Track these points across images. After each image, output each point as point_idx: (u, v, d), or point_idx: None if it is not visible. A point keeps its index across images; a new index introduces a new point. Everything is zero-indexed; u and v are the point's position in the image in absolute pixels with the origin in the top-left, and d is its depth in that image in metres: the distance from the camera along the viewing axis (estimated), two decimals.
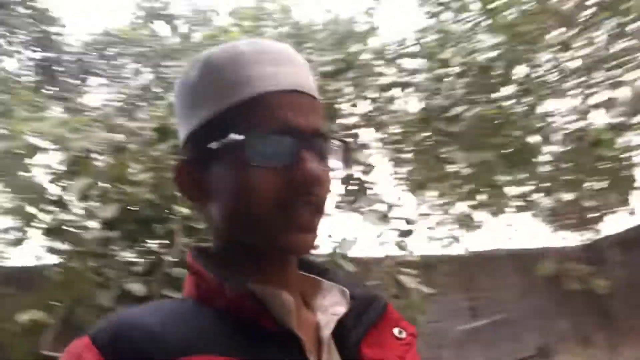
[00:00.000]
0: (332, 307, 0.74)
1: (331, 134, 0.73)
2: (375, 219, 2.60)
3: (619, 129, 2.84)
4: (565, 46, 3.86)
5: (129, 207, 2.28)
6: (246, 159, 0.65)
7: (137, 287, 2.05)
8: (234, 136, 0.65)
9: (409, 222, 2.77)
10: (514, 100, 3.49)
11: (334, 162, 0.72)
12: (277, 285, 0.68)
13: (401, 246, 2.83)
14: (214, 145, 0.67)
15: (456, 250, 6.49)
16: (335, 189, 2.97)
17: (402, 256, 2.82)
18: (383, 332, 0.74)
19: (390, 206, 2.71)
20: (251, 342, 0.63)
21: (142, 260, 2.28)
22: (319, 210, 0.68)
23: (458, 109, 3.15)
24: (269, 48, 0.70)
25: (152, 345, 0.59)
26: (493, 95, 3.52)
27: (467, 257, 6.35)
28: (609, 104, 3.32)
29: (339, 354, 0.70)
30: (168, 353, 0.58)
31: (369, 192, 2.74)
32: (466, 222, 5.98)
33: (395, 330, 0.76)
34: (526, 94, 3.58)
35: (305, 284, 0.78)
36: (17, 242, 2.59)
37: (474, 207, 4.75)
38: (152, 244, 2.32)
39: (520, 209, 4.43)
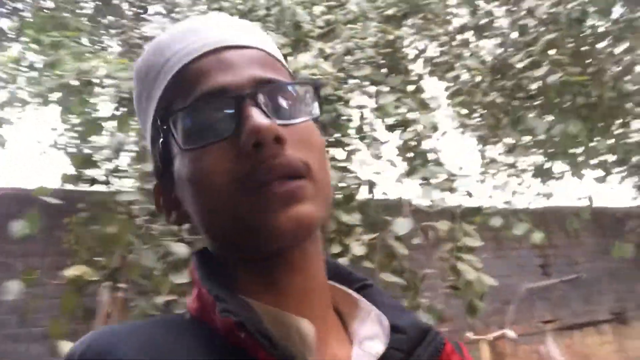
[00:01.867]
0: (369, 340, 0.58)
1: (287, 79, 0.59)
2: (439, 190, 2.39)
3: None
4: None
5: None
6: (186, 142, 0.53)
7: (181, 249, 2.03)
8: (165, 125, 0.55)
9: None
10: (606, 55, 3.05)
11: (298, 110, 0.57)
12: (298, 304, 0.54)
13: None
14: (159, 149, 0.58)
15: (532, 203, 6.18)
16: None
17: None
18: None
19: (454, 176, 2.48)
20: None
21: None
22: (295, 173, 0.52)
23: (542, 71, 2.77)
24: (192, 23, 0.61)
25: None
26: (582, 50, 3.09)
27: (542, 211, 6.05)
28: None
29: None
30: None
31: (431, 158, 2.51)
32: (543, 173, 5.62)
33: None
34: (626, 51, 3.10)
35: (340, 301, 0.62)
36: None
37: (551, 158, 4.34)
38: None
39: (604, 167, 4.03)
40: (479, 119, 3.82)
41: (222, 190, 0.51)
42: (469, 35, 3.79)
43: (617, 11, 3.55)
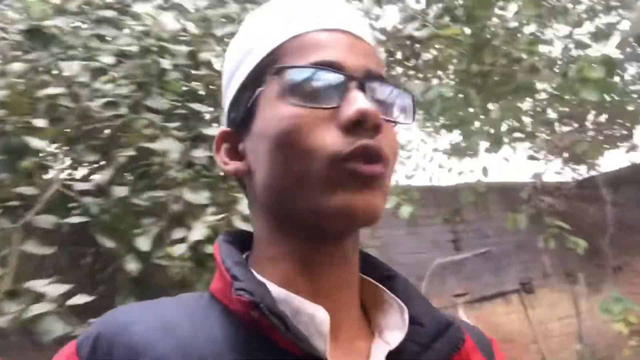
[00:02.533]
0: (388, 330, 0.58)
1: (393, 82, 0.61)
2: None
3: (605, 61, 2.37)
4: None
5: None
6: (285, 100, 0.54)
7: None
8: (270, 77, 0.56)
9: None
10: (497, 21, 2.99)
11: (396, 114, 0.59)
12: (318, 291, 0.55)
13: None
14: (246, 101, 0.59)
15: (443, 181, 6.32)
16: None
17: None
18: None
19: None
20: None
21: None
22: (380, 160, 0.53)
23: (425, 32, 2.66)
24: None
25: (137, 359, 0.49)
26: (476, 16, 3.01)
27: (453, 188, 6.15)
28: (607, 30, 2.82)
29: None
30: None
31: None
32: (454, 152, 5.68)
33: None
34: (515, 13, 3.06)
35: (366, 292, 0.62)
36: None
37: (465, 136, 4.34)
38: None
39: (514, 141, 4.05)
40: None
41: (308, 156, 0.52)
42: (370, 3, 3.62)
43: None
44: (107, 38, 2.27)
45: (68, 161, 2.14)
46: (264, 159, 0.55)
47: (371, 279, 0.63)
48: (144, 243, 1.77)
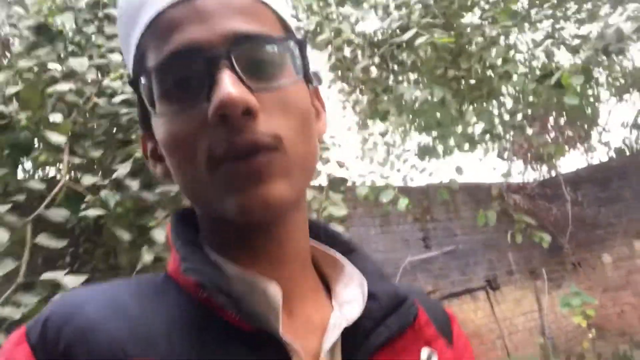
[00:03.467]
0: (348, 304, 0.56)
1: (276, 28, 0.52)
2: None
3: (584, 69, 2.59)
4: None
5: None
6: (157, 106, 0.49)
7: None
8: (137, 83, 0.51)
9: (340, 164, 2.52)
10: (476, 30, 3.17)
11: (291, 75, 0.51)
12: (268, 266, 0.53)
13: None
14: (139, 105, 0.55)
15: (413, 181, 6.51)
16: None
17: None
18: (405, 350, 0.55)
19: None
20: (215, 342, 0.48)
21: None
22: (259, 150, 0.47)
23: (410, 34, 2.81)
24: None
25: (89, 342, 0.47)
26: (454, 22, 3.19)
27: (422, 188, 6.34)
28: (579, 42, 3.05)
29: None
30: (103, 353, 0.46)
31: None
32: (427, 152, 5.87)
33: (424, 353, 0.56)
34: (492, 23, 3.26)
35: (325, 263, 0.61)
36: None
37: (424, 131, 4.54)
38: None
39: (471, 139, 4.26)
40: (358, 94, 3.83)
41: (191, 162, 0.49)
42: (349, 7, 3.75)
43: None
44: (112, 35, 2.32)
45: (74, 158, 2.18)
46: (168, 164, 0.53)
47: (333, 251, 0.62)
48: (159, 235, 1.84)
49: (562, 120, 6.79)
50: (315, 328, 0.55)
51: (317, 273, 0.61)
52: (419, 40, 2.74)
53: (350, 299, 0.57)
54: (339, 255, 0.61)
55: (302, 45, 0.53)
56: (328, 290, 0.60)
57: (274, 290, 0.50)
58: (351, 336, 0.54)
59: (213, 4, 0.49)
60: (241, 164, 0.46)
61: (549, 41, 3.14)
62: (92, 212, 1.83)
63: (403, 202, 3.14)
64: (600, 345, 6.71)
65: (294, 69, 0.52)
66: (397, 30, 3.08)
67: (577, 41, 3.11)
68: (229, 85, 0.45)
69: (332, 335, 0.53)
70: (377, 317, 0.54)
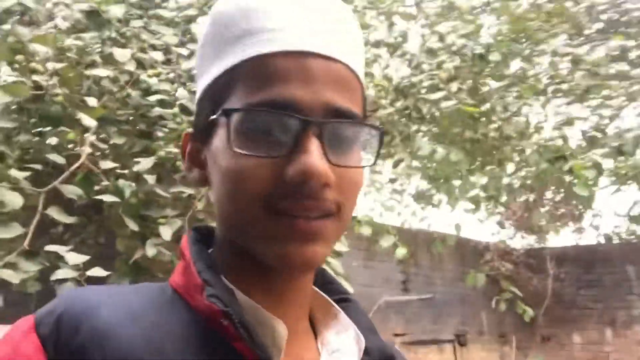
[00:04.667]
0: (339, 353, 0.58)
1: (360, 116, 0.54)
2: None
3: (596, 165, 2.73)
4: (567, 54, 3.66)
5: None
6: (229, 143, 0.50)
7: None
8: (221, 111, 0.52)
9: None
10: (498, 97, 3.30)
11: (359, 155, 0.54)
12: (277, 304, 0.55)
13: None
14: (205, 116, 0.55)
15: (404, 223, 6.57)
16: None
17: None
18: None
19: None
20: None
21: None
22: (326, 214, 0.51)
23: (439, 95, 2.94)
24: None
25: (104, 345, 0.47)
26: (479, 87, 3.33)
27: (412, 232, 6.41)
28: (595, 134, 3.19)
29: None
30: (119, 358, 0.47)
31: None
32: (423, 198, 5.96)
33: None
34: (516, 97, 3.39)
35: (317, 307, 0.62)
36: None
37: (432, 183, 4.64)
38: None
39: (475, 201, 4.37)
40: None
41: (250, 204, 0.50)
42: (382, 51, 3.87)
43: (515, 64, 3.89)
44: (156, 32, 2.42)
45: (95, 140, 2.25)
46: (216, 187, 0.54)
47: (327, 298, 0.63)
48: (166, 232, 1.91)
49: (558, 196, 6.91)
50: None
51: None
52: (446, 104, 2.86)
53: (340, 348, 0.58)
54: (334, 304, 0.62)
55: (382, 135, 0.56)
56: (313, 331, 0.61)
57: (282, 331, 0.52)
58: None
59: (319, 68, 0.51)
60: (303, 224, 0.49)
61: (564, 126, 3.28)
62: (108, 198, 1.90)
63: (400, 251, 3.21)
64: None
65: (369, 152, 0.55)
66: (423, 83, 3.20)
67: (590, 129, 3.25)
68: (317, 156, 0.48)
69: None
70: None
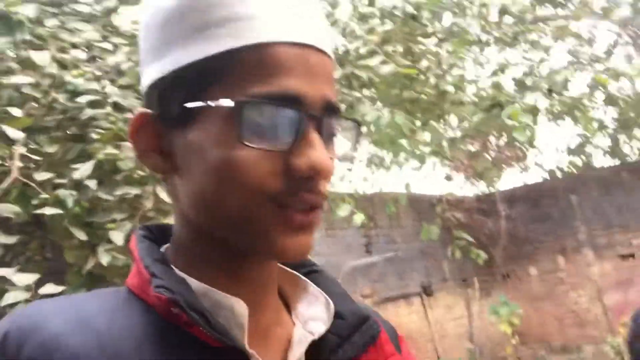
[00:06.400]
0: (312, 321, 0.59)
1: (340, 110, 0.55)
2: None
3: (532, 109, 2.82)
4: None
5: None
6: (235, 134, 0.49)
7: None
8: (224, 101, 0.49)
9: None
10: (432, 57, 3.34)
11: (341, 148, 0.56)
12: (241, 285, 0.54)
13: None
14: (192, 104, 0.51)
15: (357, 190, 6.67)
16: None
17: None
18: None
19: None
20: (184, 358, 0.49)
21: None
22: (319, 206, 0.53)
23: (377, 61, 2.94)
24: None
25: (52, 356, 0.46)
26: (413, 48, 3.35)
27: (368, 197, 6.50)
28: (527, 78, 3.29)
29: None
30: None
31: None
32: (374, 163, 6.05)
33: None
34: (448, 52, 3.44)
35: (286, 283, 0.63)
36: None
37: (379, 147, 4.70)
38: None
39: (420, 158, 4.47)
40: None
41: (254, 197, 0.50)
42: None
43: (447, 17, 3.94)
44: (75, 30, 2.28)
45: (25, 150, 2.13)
46: (199, 178, 0.52)
47: (296, 272, 0.63)
48: (117, 237, 1.84)
49: (501, 141, 7.16)
50: (280, 343, 0.56)
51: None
52: (385, 69, 2.86)
53: (314, 317, 0.59)
54: (302, 277, 0.63)
55: (359, 127, 0.58)
56: (286, 307, 0.62)
57: (240, 307, 0.52)
58: (315, 352, 0.56)
59: (318, 62, 0.52)
60: (301, 216, 0.51)
61: (497, 73, 3.37)
62: (49, 211, 1.81)
63: (359, 218, 3.26)
64: (522, 350, 7.16)
65: (348, 149, 0.57)
66: (360, 51, 3.19)
67: (522, 75, 3.37)
68: (324, 152, 0.50)
69: (297, 350, 0.55)
70: (342, 334, 0.57)
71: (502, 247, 7.12)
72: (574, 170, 8.16)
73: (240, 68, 0.49)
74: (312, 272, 0.65)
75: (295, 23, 0.51)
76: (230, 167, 0.49)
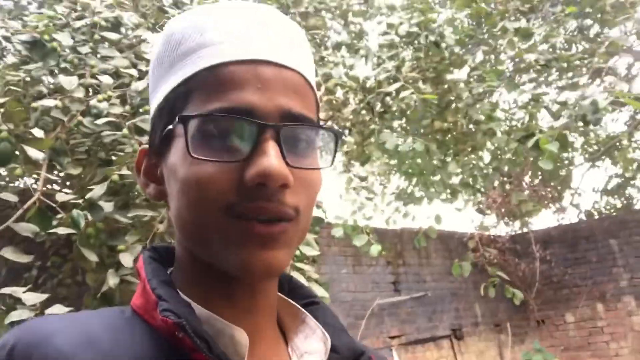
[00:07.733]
0: (308, 355, 0.59)
1: (315, 120, 0.57)
2: None
3: (560, 136, 2.72)
4: (526, 36, 3.68)
5: None
6: (192, 152, 0.51)
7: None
8: (177, 120, 0.52)
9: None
10: (462, 86, 3.29)
11: (316, 159, 0.56)
12: (240, 313, 0.55)
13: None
14: (162, 129, 0.56)
15: (390, 224, 6.55)
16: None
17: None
18: None
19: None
20: None
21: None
22: (284, 217, 0.52)
23: (396, 86, 2.92)
24: (240, 11, 0.56)
25: None
26: (443, 77, 3.32)
27: (396, 232, 6.38)
28: (559, 108, 3.19)
29: None
30: None
31: None
32: (404, 197, 5.95)
33: None
34: (479, 81, 3.39)
35: (286, 314, 0.63)
36: None
37: (407, 178, 4.63)
38: None
39: (452, 190, 4.37)
40: (346, 135, 3.91)
41: (209, 210, 0.51)
42: (343, 52, 3.86)
43: (478, 51, 3.90)
44: (105, 57, 2.36)
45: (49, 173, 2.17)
46: (174, 198, 0.54)
47: (295, 304, 0.64)
48: (127, 259, 1.83)
49: (536, 180, 6.97)
50: None
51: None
52: (404, 93, 2.84)
53: (310, 351, 0.59)
54: (301, 308, 0.64)
55: (338, 138, 0.57)
56: (283, 336, 0.62)
57: (241, 337, 0.53)
58: None
59: (272, 75, 0.53)
60: (261, 227, 0.50)
61: (531, 104, 3.28)
62: (62, 231, 1.82)
63: (375, 248, 3.18)
64: None
65: (326, 155, 0.57)
66: (388, 80, 3.19)
67: (557, 106, 3.25)
68: (274, 157, 0.50)
69: None
70: None
71: (537, 290, 6.81)
72: (613, 212, 7.84)
73: (201, 90, 0.52)
74: (312, 304, 0.65)
75: (248, 42, 0.53)
76: (188, 183, 0.51)
